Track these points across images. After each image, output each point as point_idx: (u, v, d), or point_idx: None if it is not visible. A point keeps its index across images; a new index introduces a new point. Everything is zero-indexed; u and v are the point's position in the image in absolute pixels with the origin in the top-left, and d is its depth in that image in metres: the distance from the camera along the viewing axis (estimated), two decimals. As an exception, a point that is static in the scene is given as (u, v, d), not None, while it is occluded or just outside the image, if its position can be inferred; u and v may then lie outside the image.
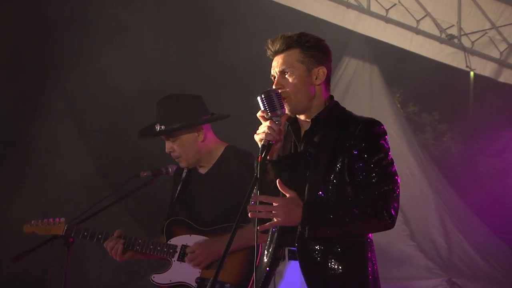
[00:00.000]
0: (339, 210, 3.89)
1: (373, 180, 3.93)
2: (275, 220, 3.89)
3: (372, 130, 4.05)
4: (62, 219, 5.67)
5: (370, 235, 4.08)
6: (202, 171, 5.70)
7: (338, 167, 3.99)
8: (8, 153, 11.56)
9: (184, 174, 5.82)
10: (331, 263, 3.95)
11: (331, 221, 3.87)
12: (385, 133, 4.08)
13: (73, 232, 5.61)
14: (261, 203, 3.91)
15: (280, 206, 3.87)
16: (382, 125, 4.10)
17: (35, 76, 11.01)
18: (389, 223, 3.93)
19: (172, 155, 5.62)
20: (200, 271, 5.40)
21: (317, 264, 3.96)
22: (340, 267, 3.95)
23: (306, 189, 4.00)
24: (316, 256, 3.97)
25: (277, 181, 3.94)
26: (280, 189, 3.92)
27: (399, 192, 3.98)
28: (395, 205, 3.94)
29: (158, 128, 5.53)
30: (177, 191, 5.81)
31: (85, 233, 5.61)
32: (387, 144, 4.06)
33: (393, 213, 3.92)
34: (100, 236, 5.60)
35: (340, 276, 3.94)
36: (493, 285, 11.58)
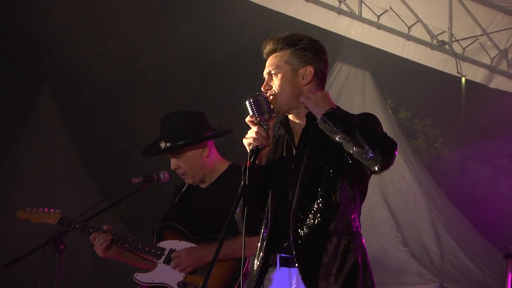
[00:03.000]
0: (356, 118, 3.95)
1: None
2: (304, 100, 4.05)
3: (365, 115, 4.08)
4: (57, 210, 5.71)
5: (359, 229, 4.07)
6: (203, 185, 5.72)
7: (337, 164, 3.99)
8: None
9: (184, 188, 5.85)
10: (325, 275, 3.95)
11: (349, 120, 3.91)
12: (379, 121, 4.10)
13: (65, 222, 5.63)
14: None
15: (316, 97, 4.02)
16: (374, 114, 4.13)
17: (28, 81, 11.03)
18: (393, 154, 3.94)
19: (177, 171, 5.64)
20: (183, 275, 5.42)
21: (313, 276, 3.96)
22: (332, 259, 3.94)
23: (299, 181, 4.00)
24: (313, 267, 3.96)
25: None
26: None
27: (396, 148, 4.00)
28: (395, 147, 3.96)
29: (163, 146, 5.55)
30: (175, 201, 5.83)
31: (77, 225, 5.63)
32: (379, 125, 4.08)
33: (395, 152, 3.94)
34: (91, 230, 5.62)
35: (333, 267, 3.94)
36: (485, 291, 11.62)
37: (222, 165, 5.71)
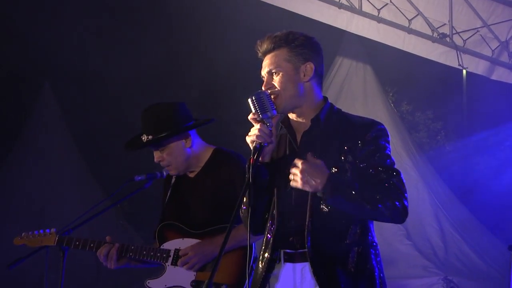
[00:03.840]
0: (362, 188, 3.89)
1: (384, 178, 3.96)
2: (293, 183, 3.88)
3: (375, 131, 4.06)
4: (53, 230, 5.64)
5: (375, 239, 4.09)
6: (191, 175, 5.69)
7: (341, 166, 3.99)
8: (1, 160, 11.57)
9: (173, 180, 5.82)
10: (340, 268, 3.95)
11: (353, 196, 3.86)
12: (387, 133, 4.10)
13: (64, 242, 5.59)
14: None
15: (302, 170, 3.84)
16: (384, 125, 4.13)
17: (29, 82, 11.02)
18: (405, 214, 3.96)
19: (161, 164, 5.61)
20: (195, 274, 5.39)
21: (327, 268, 3.96)
22: (350, 271, 3.96)
23: None
24: (327, 260, 3.97)
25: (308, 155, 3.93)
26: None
27: (406, 188, 4.01)
28: (406, 200, 3.96)
29: (145, 139, 5.52)
30: (167, 196, 5.81)
31: (77, 243, 5.59)
32: (389, 144, 4.09)
33: (407, 206, 3.95)
34: (92, 245, 5.58)
35: (349, 281, 3.95)
36: (489, 283, 11.59)
37: (206, 152, 5.66)
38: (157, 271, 5.56)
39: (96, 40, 11.25)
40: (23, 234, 5.77)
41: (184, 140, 5.54)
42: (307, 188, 3.86)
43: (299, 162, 3.85)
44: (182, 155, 5.55)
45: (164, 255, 5.50)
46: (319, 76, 4.22)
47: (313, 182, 3.84)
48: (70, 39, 11.57)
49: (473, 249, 12.48)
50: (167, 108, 5.60)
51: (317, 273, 3.94)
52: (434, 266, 11.79)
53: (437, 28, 11.49)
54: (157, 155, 5.57)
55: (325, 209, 3.97)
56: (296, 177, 3.84)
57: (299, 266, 4.06)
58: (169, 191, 5.80)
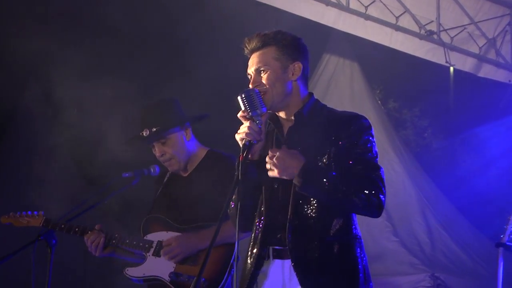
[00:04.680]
0: (337, 178, 3.90)
1: (362, 171, 3.97)
2: (270, 172, 3.89)
3: (358, 124, 4.09)
4: (40, 212, 5.71)
5: (358, 232, 4.11)
6: (184, 174, 5.74)
7: (324, 160, 4.01)
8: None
9: (166, 177, 5.86)
10: (322, 261, 3.97)
11: (326, 184, 3.88)
12: (370, 127, 4.13)
13: (50, 224, 5.64)
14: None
15: (278, 158, 3.87)
16: (367, 119, 4.15)
17: (15, 76, 10.96)
18: (379, 208, 3.97)
19: (163, 158, 5.66)
20: (174, 266, 5.43)
21: (309, 263, 3.98)
22: (331, 265, 3.97)
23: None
24: (308, 254, 3.98)
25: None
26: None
27: (385, 184, 4.02)
28: (383, 195, 3.97)
29: (148, 133, 5.55)
30: (158, 192, 5.85)
31: (62, 226, 5.64)
32: (373, 138, 4.11)
33: (383, 200, 3.96)
34: (77, 229, 5.64)
35: (332, 273, 3.96)
36: (476, 280, 11.63)
37: (201, 151, 5.77)
38: (138, 260, 5.59)
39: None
40: (11, 213, 5.81)
41: (184, 133, 5.61)
42: (284, 176, 3.89)
43: (275, 151, 3.87)
44: (183, 148, 5.63)
45: (147, 245, 5.56)
46: (305, 77, 4.28)
47: (289, 170, 3.86)
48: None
49: (459, 246, 12.52)
50: (164, 103, 5.70)
51: (297, 271, 3.96)
52: (421, 262, 11.82)
53: (424, 25, 11.51)
54: (159, 149, 5.62)
55: (307, 205, 3.99)
56: (273, 166, 3.87)
57: (287, 262, 4.08)
58: (160, 188, 5.84)
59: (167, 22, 12.25)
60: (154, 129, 5.53)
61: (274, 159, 3.87)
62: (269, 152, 3.92)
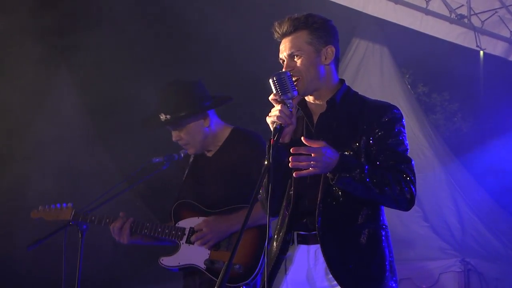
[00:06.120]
0: (371, 172, 3.90)
1: (394, 163, 3.96)
2: (311, 169, 3.84)
3: (390, 114, 4.07)
4: (69, 204, 5.69)
5: (385, 221, 4.10)
6: (209, 154, 5.70)
7: (355, 149, 4.00)
8: (18, 142, 11.57)
9: (191, 159, 5.83)
10: (350, 246, 3.97)
11: (364, 179, 3.87)
12: (402, 117, 4.11)
13: (80, 217, 5.63)
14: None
15: (320, 154, 3.81)
16: (399, 109, 4.13)
17: (44, 65, 11.00)
18: (411, 202, 3.99)
19: (179, 143, 5.62)
20: (209, 252, 5.40)
21: (337, 247, 3.97)
22: (359, 253, 3.97)
23: None
24: (337, 238, 3.98)
25: (302, 138, 3.89)
26: (306, 143, 3.85)
27: (416, 177, 4.01)
28: (415, 188, 3.97)
29: (164, 118, 5.50)
30: (185, 175, 5.82)
31: (93, 218, 5.63)
32: (404, 129, 4.09)
33: (414, 194, 3.95)
34: (108, 220, 5.63)
35: (360, 261, 3.96)
36: (507, 265, 11.55)
37: (225, 131, 5.67)
38: (171, 249, 5.58)
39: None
40: (39, 207, 5.82)
41: (202, 120, 5.54)
42: (324, 172, 3.87)
43: (316, 146, 3.83)
44: (200, 135, 5.55)
45: (179, 233, 5.52)
46: (337, 59, 4.26)
47: (330, 166, 3.84)
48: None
49: (491, 231, 12.42)
50: (184, 87, 5.59)
51: (327, 254, 3.95)
52: (451, 247, 11.75)
53: (455, 9, 11.43)
54: (175, 134, 5.58)
55: (337, 190, 3.98)
56: (314, 162, 3.81)
57: (313, 248, 4.08)
58: (187, 170, 5.81)
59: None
60: (169, 117, 5.49)
61: (314, 155, 3.82)
62: (309, 148, 3.84)
